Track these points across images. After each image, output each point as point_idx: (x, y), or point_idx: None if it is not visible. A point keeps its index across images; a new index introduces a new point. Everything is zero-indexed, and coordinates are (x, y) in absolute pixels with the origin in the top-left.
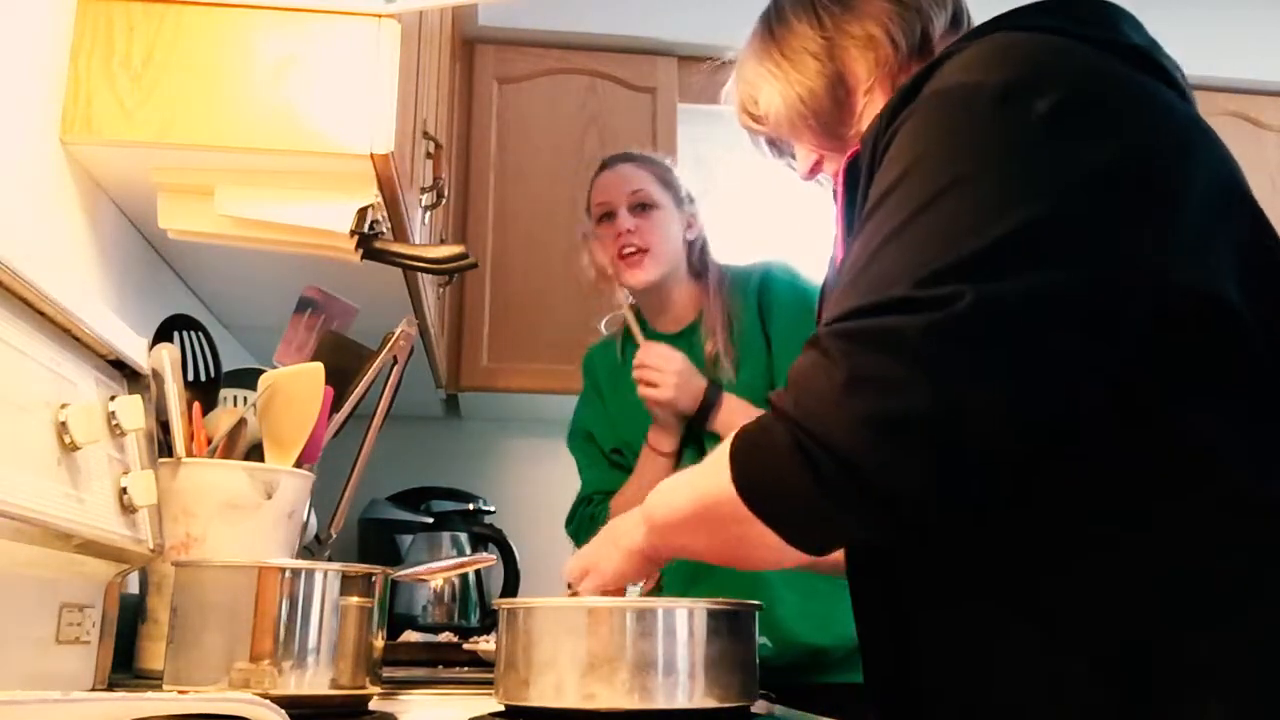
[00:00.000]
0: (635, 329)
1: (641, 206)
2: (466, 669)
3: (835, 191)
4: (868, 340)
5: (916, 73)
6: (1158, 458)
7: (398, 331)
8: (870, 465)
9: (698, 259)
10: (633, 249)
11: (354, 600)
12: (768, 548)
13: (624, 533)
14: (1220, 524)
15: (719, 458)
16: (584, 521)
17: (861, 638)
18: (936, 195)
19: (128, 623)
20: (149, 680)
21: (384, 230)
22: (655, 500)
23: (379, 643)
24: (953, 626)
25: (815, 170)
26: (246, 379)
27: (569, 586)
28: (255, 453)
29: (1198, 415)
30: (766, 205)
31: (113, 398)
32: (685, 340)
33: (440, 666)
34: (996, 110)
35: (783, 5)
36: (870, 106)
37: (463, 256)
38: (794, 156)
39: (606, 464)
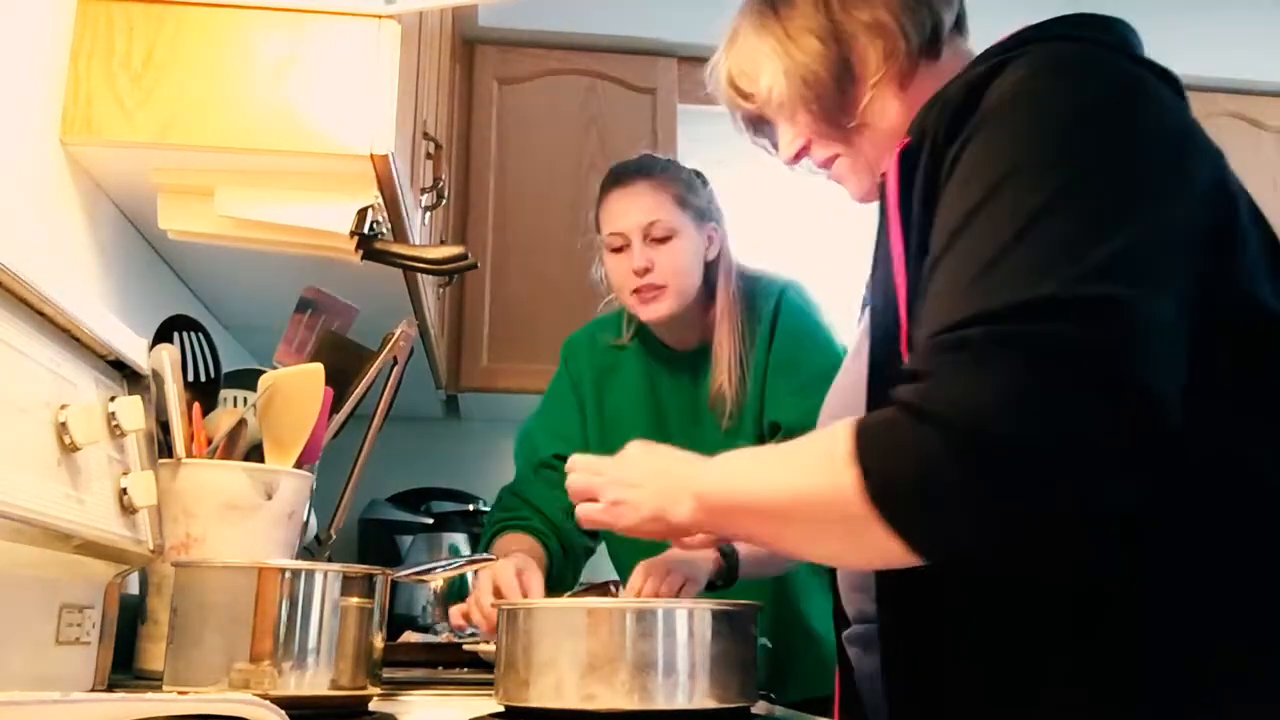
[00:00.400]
0: (625, 334)
1: (658, 239)
2: (466, 670)
3: (885, 183)
4: (1036, 347)
5: (973, 75)
6: (1207, 474)
7: (397, 332)
8: (1051, 470)
9: (719, 278)
10: (650, 286)
11: (354, 601)
12: (873, 549)
13: (663, 493)
14: (1262, 540)
15: (823, 451)
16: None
17: (890, 650)
18: (1052, 201)
19: (128, 623)
20: (149, 681)
21: (384, 231)
22: (715, 481)
23: (379, 643)
24: (995, 653)
25: (801, 155)
26: (246, 379)
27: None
28: (255, 453)
29: (1242, 429)
30: (766, 206)
31: (113, 398)
32: (694, 362)
33: (440, 667)
34: (1085, 123)
35: None
36: (877, 101)
37: (463, 257)
38: (772, 140)
39: (532, 483)
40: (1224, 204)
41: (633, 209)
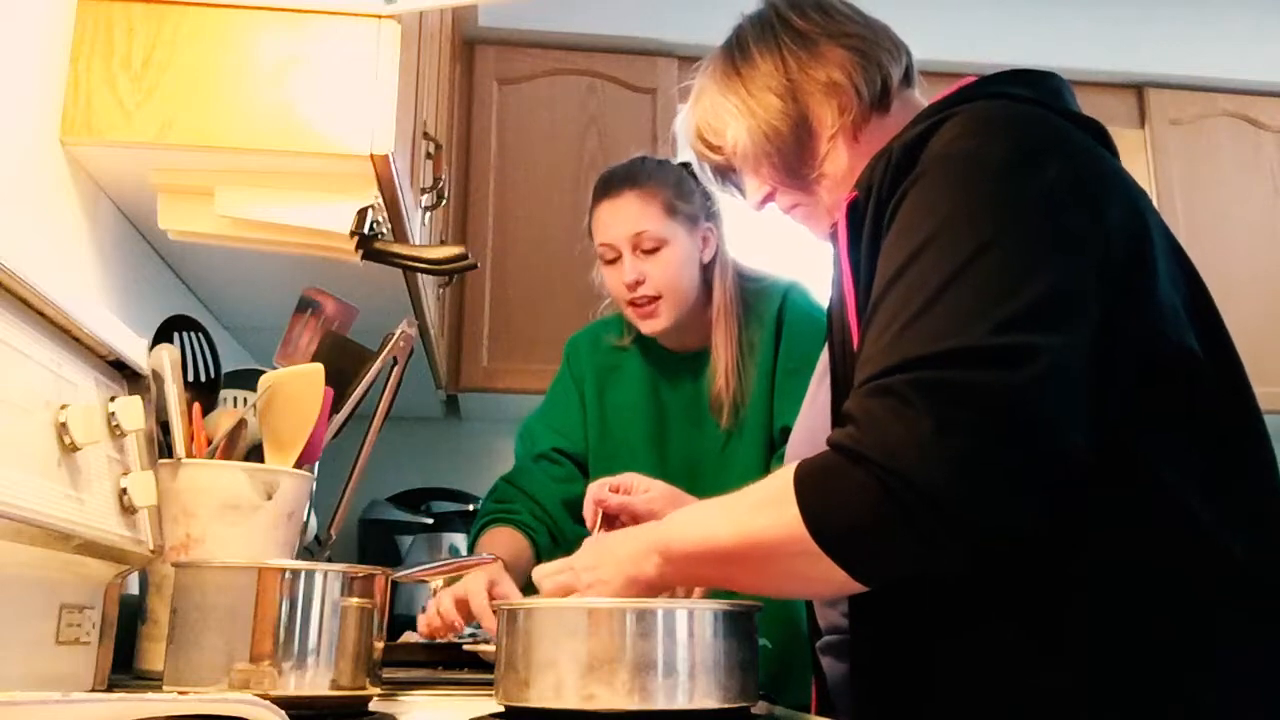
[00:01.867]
0: (626, 337)
1: (648, 250)
2: (466, 670)
3: (836, 234)
4: (953, 393)
5: (913, 134)
6: (1132, 495)
7: (397, 332)
8: (963, 506)
9: (715, 279)
10: (644, 298)
11: (354, 601)
12: (821, 581)
13: (628, 558)
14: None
15: (768, 496)
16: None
17: (861, 660)
18: (975, 254)
19: (128, 623)
20: (149, 681)
21: (384, 231)
22: (675, 533)
23: (379, 644)
24: (971, 648)
25: (767, 201)
26: (247, 380)
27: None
28: (255, 453)
29: (1163, 454)
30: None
31: (113, 398)
32: (695, 363)
33: (440, 668)
34: (1009, 178)
35: (745, 39)
36: (834, 153)
37: (462, 257)
38: (739, 187)
39: (531, 472)
40: (1136, 242)
41: (620, 221)
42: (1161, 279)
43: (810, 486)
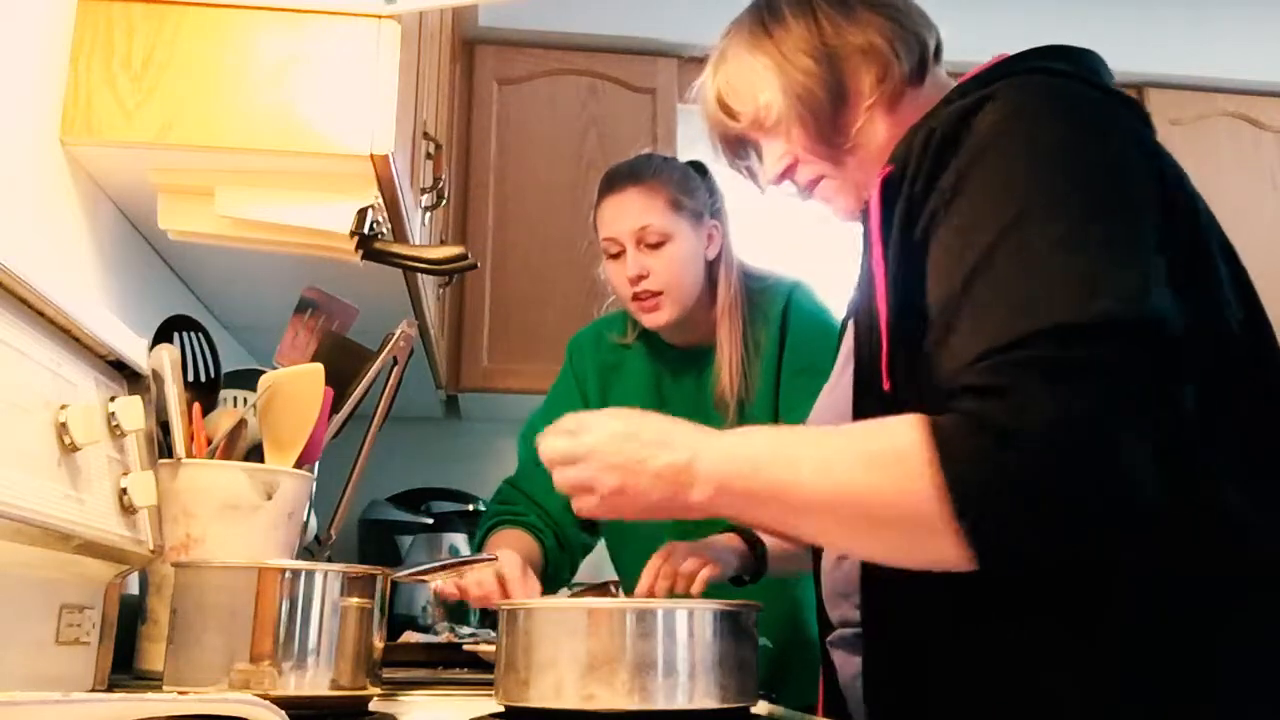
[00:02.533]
0: (630, 334)
1: (652, 244)
2: (466, 670)
3: (867, 210)
4: (1108, 364)
5: (956, 109)
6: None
7: (397, 332)
8: (1133, 487)
9: (720, 276)
10: (647, 293)
11: (354, 601)
12: (925, 555)
13: (667, 473)
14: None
15: (886, 453)
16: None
17: (876, 654)
18: (1074, 229)
19: (128, 623)
20: (149, 681)
21: (384, 231)
22: (738, 465)
23: (379, 644)
24: (993, 640)
25: (786, 174)
26: (247, 380)
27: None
28: (255, 453)
29: (1209, 437)
30: (767, 206)
31: (113, 398)
32: (699, 360)
33: (440, 667)
34: (1080, 150)
35: (777, 2)
36: (870, 125)
37: (462, 257)
38: (745, 161)
39: (534, 476)
40: (1192, 214)
41: (624, 215)
42: (1216, 255)
43: (954, 452)
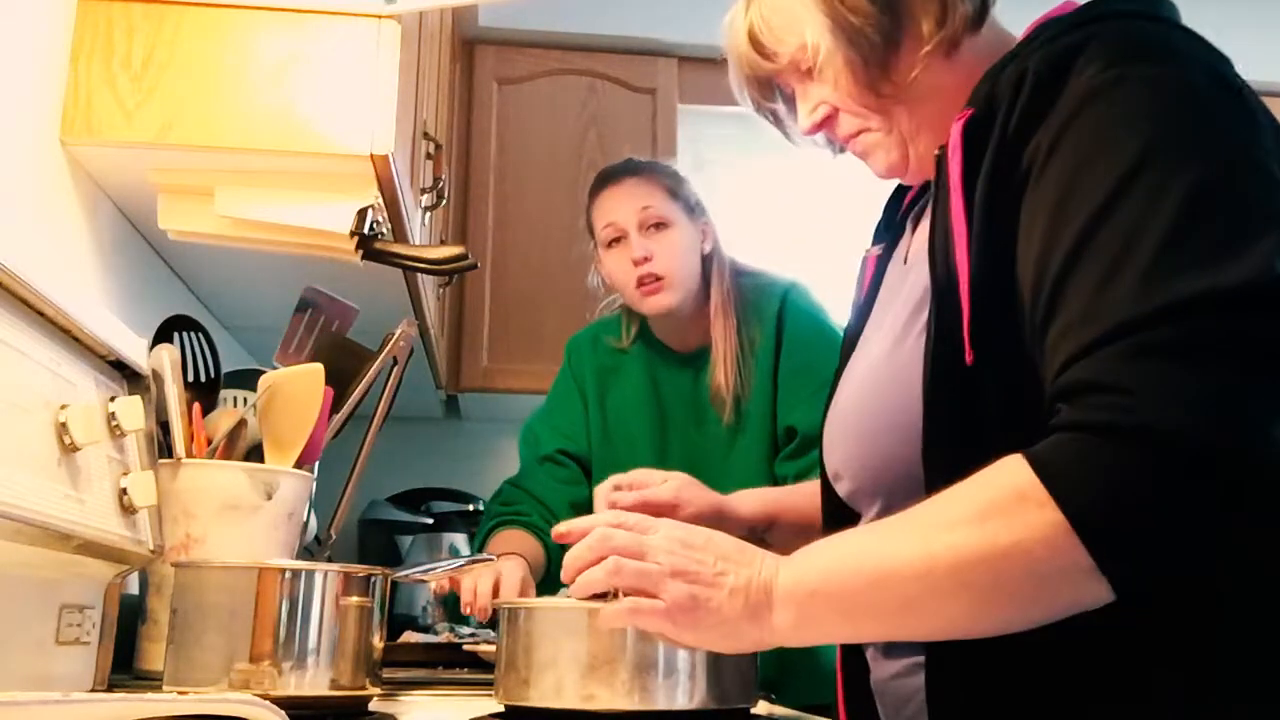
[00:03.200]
0: (626, 338)
1: (653, 226)
2: (466, 670)
3: (946, 158)
4: (1247, 341)
5: (1055, 51)
6: None
7: (397, 332)
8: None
9: (713, 273)
10: (650, 276)
11: (354, 601)
12: (1066, 601)
13: (744, 594)
14: None
15: (990, 502)
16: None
17: (941, 655)
18: (1196, 191)
19: (128, 623)
20: (149, 681)
21: (384, 231)
22: (820, 573)
23: (379, 644)
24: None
25: (822, 125)
26: (246, 380)
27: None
28: (255, 453)
29: None
30: (767, 207)
31: (113, 398)
32: (695, 362)
33: (440, 667)
34: (1209, 103)
35: None
36: (926, 73)
37: (462, 257)
38: (772, 105)
39: (537, 475)
40: None
41: (626, 199)
42: None
43: (1064, 477)
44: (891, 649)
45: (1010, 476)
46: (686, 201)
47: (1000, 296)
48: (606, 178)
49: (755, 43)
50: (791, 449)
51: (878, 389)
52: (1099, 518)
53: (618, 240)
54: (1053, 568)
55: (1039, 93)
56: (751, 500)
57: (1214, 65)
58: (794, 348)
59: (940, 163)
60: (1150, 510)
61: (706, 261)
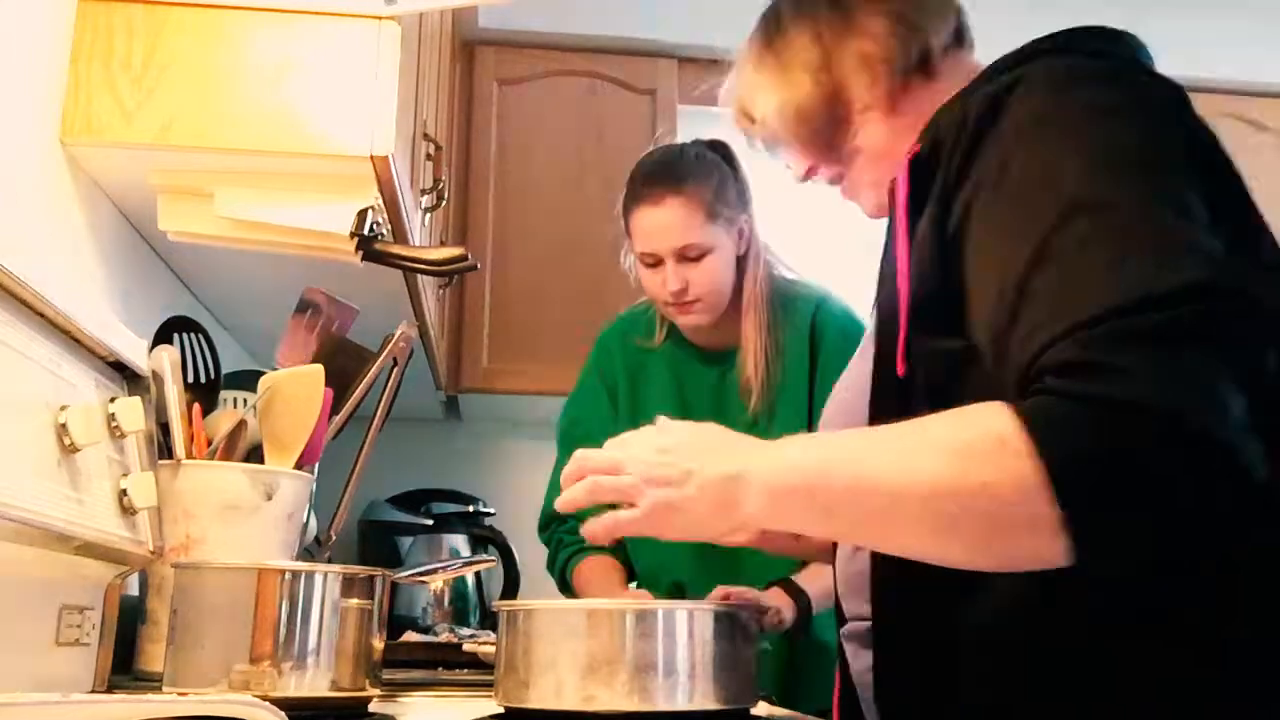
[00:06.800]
0: (658, 336)
1: (692, 258)
2: (466, 671)
3: (894, 190)
4: (1221, 331)
5: (990, 89)
6: None
7: (397, 333)
8: (1248, 463)
9: (747, 273)
10: (685, 299)
11: (354, 602)
12: (1024, 550)
13: (715, 487)
14: None
15: (974, 440)
16: (552, 545)
17: (885, 648)
18: (1148, 198)
19: (128, 624)
20: (149, 682)
21: (384, 232)
22: (796, 474)
23: (379, 645)
24: (994, 658)
25: (810, 174)
26: (246, 381)
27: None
28: (255, 454)
29: None
30: (768, 207)
31: (113, 399)
32: (721, 364)
33: (440, 668)
34: (1127, 132)
35: (782, 14)
36: (868, 126)
37: (462, 258)
38: (778, 154)
39: None
40: (1240, 187)
41: (663, 233)
42: (1264, 223)
43: (1054, 435)
44: (865, 644)
45: (993, 420)
46: (727, 215)
47: (938, 311)
48: (649, 187)
49: (743, 112)
50: None
51: (839, 399)
52: (1073, 475)
53: (655, 263)
54: (1018, 515)
55: (974, 130)
56: None
57: (1146, 90)
58: (828, 362)
59: (891, 195)
60: (1124, 480)
61: (741, 260)
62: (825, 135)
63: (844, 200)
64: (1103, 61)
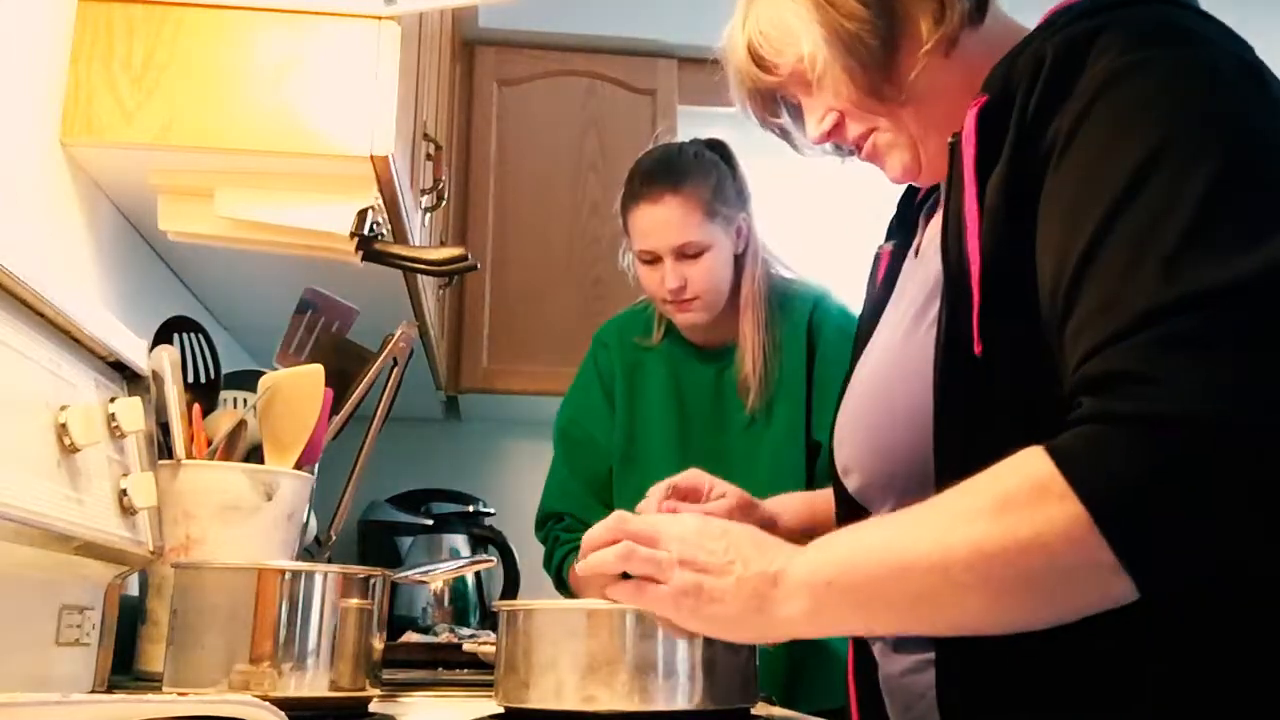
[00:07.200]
0: (656, 334)
1: (690, 256)
2: (466, 671)
3: (959, 144)
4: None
5: (1074, 34)
6: None
7: (397, 333)
8: None
9: (745, 270)
10: (683, 297)
11: (354, 602)
12: (1083, 597)
13: (752, 585)
14: None
15: (1008, 494)
16: (548, 543)
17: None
18: (1220, 176)
19: (127, 625)
20: (149, 682)
21: (384, 232)
22: (833, 566)
23: (379, 645)
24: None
25: (831, 133)
26: (246, 381)
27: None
28: (255, 454)
29: None
30: (768, 207)
31: (112, 399)
32: (719, 361)
33: (440, 668)
34: (1232, 87)
35: None
36: (927, 73)
37: (462, 258)
38: (778, 120)
39: (585, 471)
40: None
41: (664, 230)
42: None
43: (1082, 468)
44: (900, 644)
45: (1030, 468)
46: (725, 213)
47: (1014, 286)
48: (648, 185)
49: (755, 57)
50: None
51: (889, 380)
52: (1121, 510)
53: (653, 261)
54: (1073, 563)
55: (1058, 75)
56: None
57: (1236, 50)
58: (827, 359)
59: (954, 150)
60: (1176, 503)
61: (739, 259)
62: (876, 71)
63: (863, 163)
64: (1193, 15)
